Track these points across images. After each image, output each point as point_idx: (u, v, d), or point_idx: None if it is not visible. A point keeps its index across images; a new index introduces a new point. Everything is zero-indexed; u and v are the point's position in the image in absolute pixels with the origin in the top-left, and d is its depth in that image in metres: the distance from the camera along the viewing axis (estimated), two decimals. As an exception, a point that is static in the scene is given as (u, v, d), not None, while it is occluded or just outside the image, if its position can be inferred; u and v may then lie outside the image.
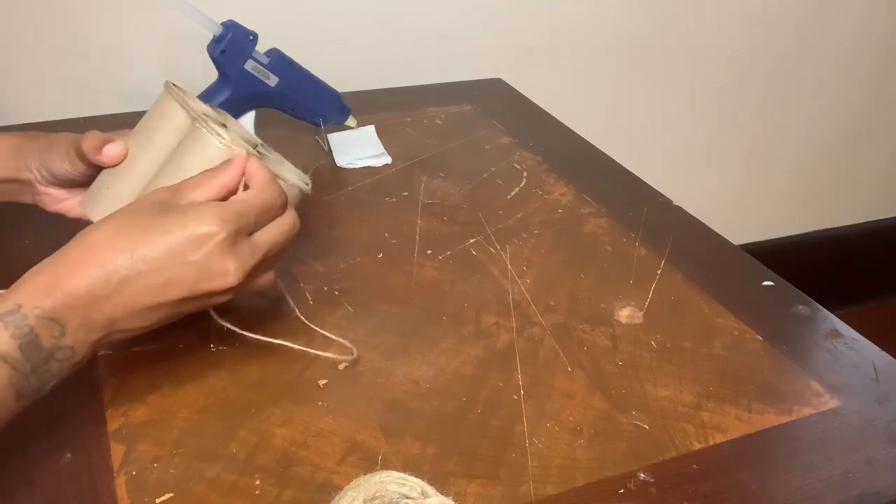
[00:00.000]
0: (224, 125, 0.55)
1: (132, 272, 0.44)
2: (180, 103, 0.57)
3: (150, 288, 0.45)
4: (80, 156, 0.57)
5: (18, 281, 0.44)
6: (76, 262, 0.44)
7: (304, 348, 0.56)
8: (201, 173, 0.51)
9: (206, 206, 0.47)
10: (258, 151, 0.56)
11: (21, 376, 0.41)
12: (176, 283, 0.46)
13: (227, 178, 0.50)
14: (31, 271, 0.44)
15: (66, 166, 0.58)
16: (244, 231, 0.48)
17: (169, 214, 0.46)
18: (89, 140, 0.56)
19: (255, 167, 0.51)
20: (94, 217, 0.57)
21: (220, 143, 0.52)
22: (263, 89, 0.79)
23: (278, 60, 0.79)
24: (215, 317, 0.54)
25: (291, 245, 0.53)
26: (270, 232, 0.50)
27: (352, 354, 0.57)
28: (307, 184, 0.57)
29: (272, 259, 0.52)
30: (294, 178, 0.56)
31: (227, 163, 0.51)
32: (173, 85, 0.58)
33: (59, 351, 0.43)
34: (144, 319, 0.47)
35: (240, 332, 0.55)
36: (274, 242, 0.50)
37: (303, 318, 0.59)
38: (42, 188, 0.60)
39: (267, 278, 0.52)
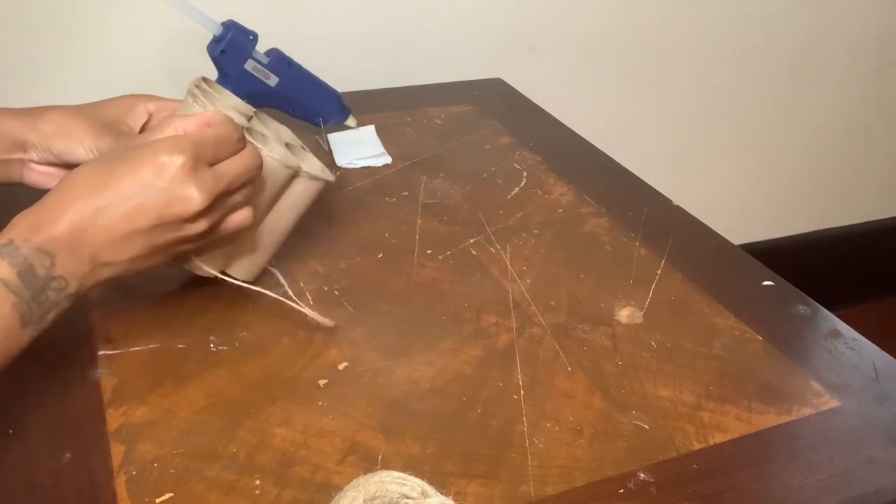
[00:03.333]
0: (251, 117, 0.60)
1: (104, 203, 0.47)
2: (212, 99, 0.59)
3: (122, 217, 0.48)
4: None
5: (7, 226, 0.47)
6: (57, 204, 0.47)
7: (281, 298, 0.58)
8: (164, 119, 0.54)
9: (165, 138, 0.51)
10: (298, 160, 0.60)
11: (24, 303, 0.45)
12: (144, 210, 0.48)
13: (187, 122, 0.52)
14: (17, 216, 0.47)
15: (92, 156, 0.59)
16: (203, 159, 0.50)
17: (133, 151, 0.50)
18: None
19: (211, 114, 0.53)
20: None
21: (273, 156, 0.56)
22: (263, 89, 0.79)
23: (278, 60, 0.79)
24: (197, 262, 0.56)
25: (257, 185, 0.55)
26: (232, 163, 0.52)
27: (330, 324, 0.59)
28: (332, 176, 0.62)
29: (240, 195, 0.53)
30: (326, 174, 0.61)
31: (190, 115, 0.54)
32: (198, 84, 0.60)
33: (53, 281, 0.46)
34: (124, 250, 0.49)
35: (220, 276, 0.57)
36: (237, 173, 0.52)
37: (290, 291, 0.61)
38: (42, 168, 0.61)
39: (242, 216, 0.54)
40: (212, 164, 0.50)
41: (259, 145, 0.56)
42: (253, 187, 0.54)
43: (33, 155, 0.60)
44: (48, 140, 0.59)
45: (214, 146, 0.51)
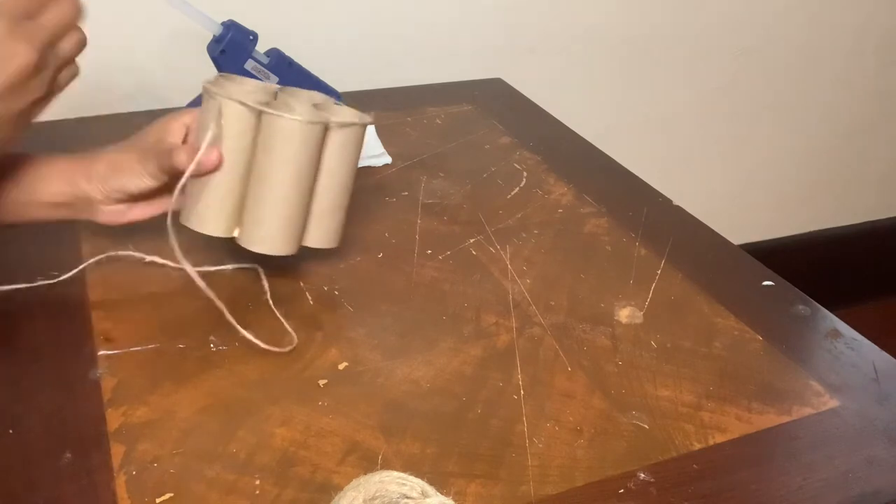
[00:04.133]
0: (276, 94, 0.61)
1: None
2: (239, 102, 0.58)
3: None
4: (170, 170, 0.58)
5: None
6: None
7: (221, 306, 0.57)
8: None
9: None
10: (325, 116, 0.60)
11: None
12: None
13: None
14: None
15: (147, 182, 0.59)
16: (18, 13, 0.48)
17: None
18: (180, 156, 0.57)
19: None
20: (207, 229, 0.60)
21: (304, 122, 0.57)
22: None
23: (278, 60, 0.79)
24: (173, 240, 0.56)
25: (81, 33, 0.53)
26: (52, 11, 0.50)
27: (291, 343, 0.58)
28: (369, 117, 0.64)
29: (67, 42, 0.51)
30: (360, 117, 0.62)
31: None
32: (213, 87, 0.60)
33: None
34: None
35: (180, 259, 0.57)
36: (59, 19, 0.50)
37: (271, 301, 0.61)
38: (109, 207, 0.61)
39: (72, 71, 0.53)
40: (32, 18, 0.49)
41: (280, 113, 0.57)
42: (80, 34, 0.52)
43: (97, 196, 0.60)
44: (104, 181, 0.60)
45: (27, 1, 0.49)
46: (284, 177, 0.59)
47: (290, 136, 0.58)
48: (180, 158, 0.57)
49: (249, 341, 0.57)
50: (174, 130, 0.62)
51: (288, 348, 0.57)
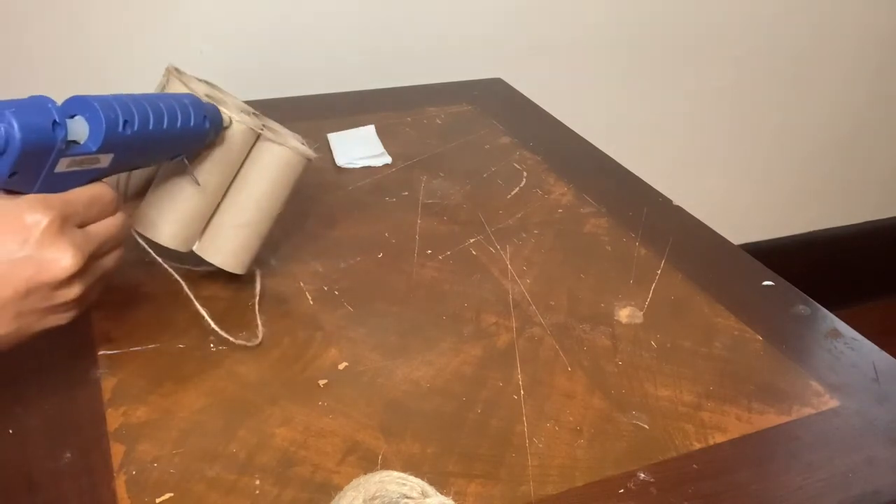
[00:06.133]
0: (224, 101, 0.59)
1: None
2: (186, 84, 0.58)
3: None
4: None
5: None
6: None
7: (189, 291, 0.57)
8: None
9: (28, 195, 0.45)
10: (263, 126, 0.59)
11: None
12: (9, 280, 0.43)
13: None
14: None
15: None
16: (71, 220, 0.46)
17: None
18: None
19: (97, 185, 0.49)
20: (154, 233, 0.58)
21: (230, 118, 0.57)
22: (97, 175, 0.49)
23: (97, 127, 0.47)
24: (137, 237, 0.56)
25: (122, 250, 0.52)
26: (103, 224, 0.49)
27: (256, 337, 0.58)
28: (312, 152, 0.62)
29: (110, 259, 0.50)
30: (299, 146, 0.60)
31: None
32: (175, 69, 0.60)
33: None
34: None
35: (155, 256, 0.57)
36: (108, 234, 0.49)
37: (257, 304, 0.60)
38: None
39: (103, 284, 0.51)
40: (81, 226, 0.47)
41: (219, 104, 0.57)
42: (121, 252, 0.51)
43: None
44: None
45: (86, 206, 0.47)
46: (191, 167, 0.57)
47: (227, 133, 0.57)
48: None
49: (247, 339, 0.57)
50: None
51: (254, 342, 0.57)
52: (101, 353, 0.56)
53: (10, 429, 0.49)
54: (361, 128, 0.92)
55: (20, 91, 0.49)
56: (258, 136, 0.59)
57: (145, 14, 0.96)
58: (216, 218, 0.60)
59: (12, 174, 0.44)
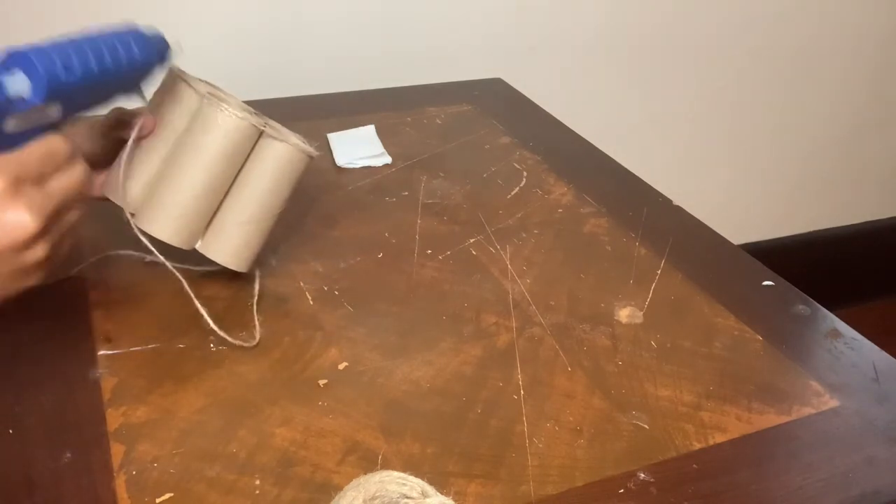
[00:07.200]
0: (225, 100, 0.59)
1: None
2: (189, 84, 0.59)
3: None
4: (106, 132, 0.57)
5: None
6: None
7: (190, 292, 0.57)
8: None
9: None
10: (265, 123, 0.60)
11: None
12: None
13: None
14: None
15: (88, 146, 0.57)
16: (27, 179, 0.44)
17: None
18: (116, 113, 0.57)
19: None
20: (117, 197, 0.58)
21: (233, 116, 0.57)
22: (52, 128, 0.48)
23: (38, 79, 0.46)
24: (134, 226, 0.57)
25: (84, 203, 0.50)
26: (62, 178, 0.47)
27: (253, 338, 0.58)
28: (313, 150, 0.62)
29: (74, 214, 0.49)
30: (300, 143, 0.61)
31: None
32: (178, 69, 0.60)
33: None
34: None
35: (160, 258, 0.57)
36: (68, 188, 0.47)
37: (255, 305, 0.60)
38: None
39: (72, 240, 0.50)
40: (39, 183, 0.45)
41: (221, 104, 0.57)
42: (85, 204, 0.50)
43: None
44: None
45: (40, 164, 0.45)
46: (196, 164, 0.58)
47: (216, 125, 0.57)
48: (115, 114, 0.57)
49: (246, 338, 0.57)
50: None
51: (251, 343, 0.58)
52: (101, 353, 0.56)
53: (10, 429, 0.49)
54: (361, 128, 0.92)
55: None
56: (260, 134, 0.59)
57: (145, 13, 0.96)
58: (219, 215, 0.60)
59: None
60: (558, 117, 1.02)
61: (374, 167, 0.85)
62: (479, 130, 0.96)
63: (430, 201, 0.79)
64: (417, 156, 0.88)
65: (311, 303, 0.63)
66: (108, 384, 0.53)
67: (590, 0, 1.20)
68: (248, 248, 0.61)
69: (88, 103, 0.52)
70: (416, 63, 1.13)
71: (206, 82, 0.62)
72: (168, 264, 0.57)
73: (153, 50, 0.54)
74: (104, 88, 0.52)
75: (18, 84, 0.45)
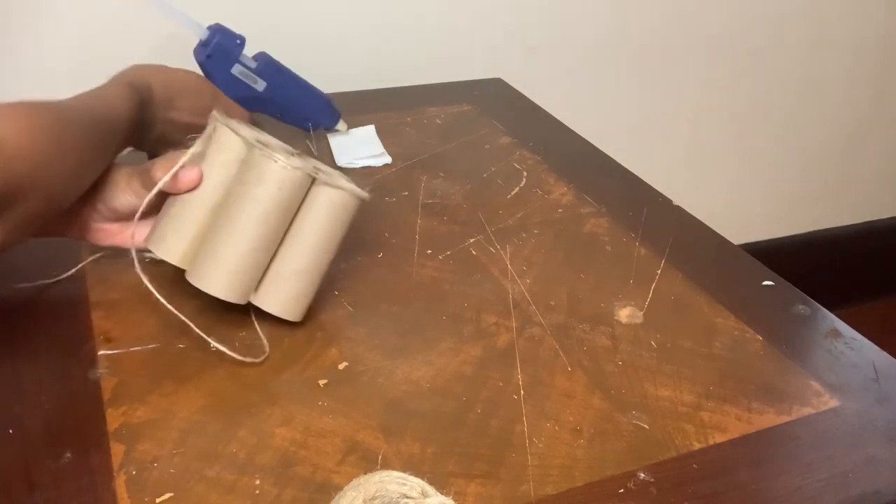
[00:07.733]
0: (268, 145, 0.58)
1: None
2: (235, 131, 0.57)
3: None
4: (149, 185, 0.57)
5: None
6: None
7: (202, 334, 0.56)
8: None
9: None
10: (315, 168, 0.58)
11: None
12: None
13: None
14: None
15: (130, 198, 0.58)
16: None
17: None
18: (161, 167, 0.57)
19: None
20: (161, 251, 0.58)
21: (287, 167, 0.55)
22: (251, 94, 0.78)
23: (266, 65, 0.79)
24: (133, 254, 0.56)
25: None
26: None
27: (264, 353, 0.57)
28: (365, 193, 0.60)
29: None
30: (353, 188, 0.58)
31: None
32: (222, 115, 0.59)
33: None
34: None
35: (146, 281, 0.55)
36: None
37: (254, 314, 0.59)
38: (97, 224, 0.61)
39: None
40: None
41: (272, 154, 0.55)
42: None
43: (86, 210, 0.59)
44: (94, 195, 0.59)
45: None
46: (251, 217, 0.56)
47: (270, 177, 0.55)
48: (156, 172, 0.56)
49: (250, 341, 0.57)
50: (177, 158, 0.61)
51: (261, 358, 0.56)
52: (101, 353, 0.56)
53: (10, 429, 0.49)
54: (361, 128, 0.92)
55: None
56: (312, 181, 0.57)
57: (145, 12, 0.96)
58: (273, 266, 0.58)
59: (209, 56, 0.75)
60: (558, 117, 1.02)
61: (374, 167, 0.85)
62: (479, 130, 0.96)
63: (430, 201, 0.79)
64: (417, 156, 0.88)
65: (312, 303, 0.63)
66: (108, 384, 0.53)
67: (590, 0, 1.20)
68: (306, 297, 0.59)
69: (283, 104, 0.82)
70: (416, 63, 1.13)
71: (249, 126, 0.60)
72: (172, 309, 0.55)
73: (332, 113, 0.88)
74: (297, 101, 0.83)
75: (249, 57, 0.78)
